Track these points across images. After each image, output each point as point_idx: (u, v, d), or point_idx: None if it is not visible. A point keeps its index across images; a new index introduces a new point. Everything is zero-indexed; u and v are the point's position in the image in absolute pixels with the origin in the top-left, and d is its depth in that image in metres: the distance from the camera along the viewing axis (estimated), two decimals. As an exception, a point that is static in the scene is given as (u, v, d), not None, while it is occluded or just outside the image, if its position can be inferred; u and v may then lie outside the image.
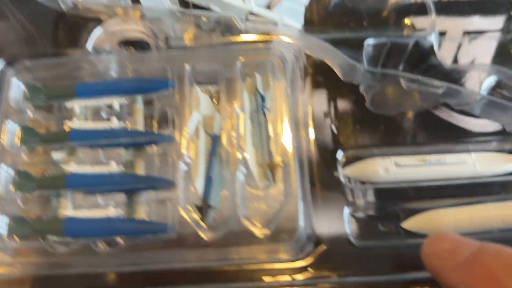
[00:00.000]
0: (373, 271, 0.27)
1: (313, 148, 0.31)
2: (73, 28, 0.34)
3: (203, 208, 0.27)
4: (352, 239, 0.28)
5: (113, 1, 0.33)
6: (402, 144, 0.32)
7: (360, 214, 0.29)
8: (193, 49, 0.32)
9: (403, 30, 0.38)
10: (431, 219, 0.28)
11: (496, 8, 0.38)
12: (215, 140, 0.29)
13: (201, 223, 0.27)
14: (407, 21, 0.38)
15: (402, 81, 0.32)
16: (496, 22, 0.38)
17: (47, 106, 0.31)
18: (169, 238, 0.27)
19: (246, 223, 0.27)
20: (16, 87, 0.31)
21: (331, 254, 0.27)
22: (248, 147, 0.29)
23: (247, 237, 0.27)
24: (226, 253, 0.27)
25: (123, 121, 0.30)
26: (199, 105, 0.30)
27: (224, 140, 0.29)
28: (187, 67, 0.30)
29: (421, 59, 0.36)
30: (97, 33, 0.32)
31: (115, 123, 0.29)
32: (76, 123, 0.30)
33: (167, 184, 0.28)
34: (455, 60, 0.37)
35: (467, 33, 0.38)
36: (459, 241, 0.15)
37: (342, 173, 0.30)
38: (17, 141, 0.30)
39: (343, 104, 0.34)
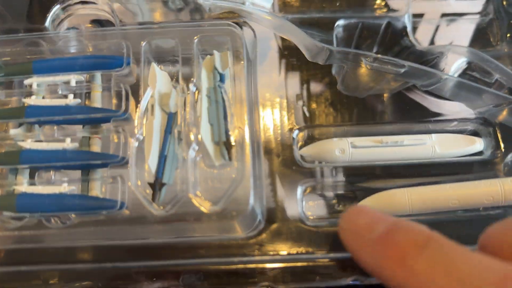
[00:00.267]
0: (323, 249, 0.27)
1: (273, 127, 0.31)
2: (40, 6, 0.34)
3: (155, 186, 0.27)
4: (304, 218, 0.28)
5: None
6: (367, 123, 0.32)
7: (316, 194, 0.29)
8: (154, 25, 0.32)
9: (376, 11, 0.37)
10: (386, 199, 0.28)
11: (475, -9, 0.37)
12: (170, 117, 0.29)
13: (152, 200, 0.27)
14: (381, 1, 0.37)
15: (364, 60, 0.31)
16: (475, 4, 0.38)
17: (7, 83, 0.31)
18: (120, 214, 0.27)
19: (198, 200, 0.27)
20: (-25, 64, 0.31)
21: (282, 232, 0.27)
22: (204, 125, 0.29)
23: (197, 214, 0.27)
24: (177, 230, 0.27)
25: (80, 98, 0.30)
26: (155, 82, 0.29)
27: (180, 117, 0.29)
28: (143, 43, 0.30)
29: (394, 41, 0.36)
30: (56, 10, 0.32)
31: (71, 100, 0.29)
32: (33, 100, 0.30)
33: (120, 161, 0.28)
34: (432, 43, 0.37)
35: (445, 15, 0.37)
36: (375, 217, 0.15)
37: (299, 153, 0.29)
38: (-25, 118, 0.30)
39: (316, 87, 0.34)
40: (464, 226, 0.28)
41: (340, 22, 0.35)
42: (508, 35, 0.35)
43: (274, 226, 0.28)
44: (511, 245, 0.14)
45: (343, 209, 0.29)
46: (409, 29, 0.35)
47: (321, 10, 0.37)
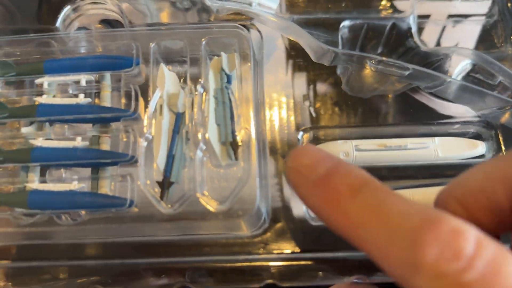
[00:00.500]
0: (327, 248, 0.27)
1: (279, 127, 0.31)
2: (50, 7, 0.35)
3: (163, 184, 0.28)
4: (308, 218, 0.28)
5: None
6: (371, 125, 0.32)
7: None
8: (162, 27, 0.33)
9: (381, 12, 0.38)
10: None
11: (481, -8, 0.38)
12: (178, 117, 0.30)
13: (161, 198, 0.28)
14: (386, 2, 0.37)
15: (368, 63, 0.32)
16: (481, 6, 0.38)
17: (18, 82, 0.32)
18: (129, 212, 0.28)
19: (205, 199, 0.28)
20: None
21: (287, 232, 0.28)
22: (211, 125, 0.29)
23: (204, 213, 0.27)
24: (184, 227, 0.28)
25: (90, 98, 0.30)
26: (164, 83, 0.30)
27: (187, 118, 0.29)
28: (152, 45, 0.31)
29: (399, 42, 0.36)
30: (67, 11, 0.33)
31: (82, 99, 0.30)
32: (44, 99, 0.30)
33: (130, 160, 0.28)
34: (438, 44, 0.37)
35: (451, 16, 0.37)
36: (318, 157, 0.14)
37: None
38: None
39: (321, 87, 0.34)
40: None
41: (346, 23, 0.36)
42: (512, 37, 0.36)
43: (279, 225, 0.28)
44: (455, 200, 0.14)
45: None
46: (414, 30, 0.35)
47: (326, 10, 0.37)
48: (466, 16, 0.37)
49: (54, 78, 0.31)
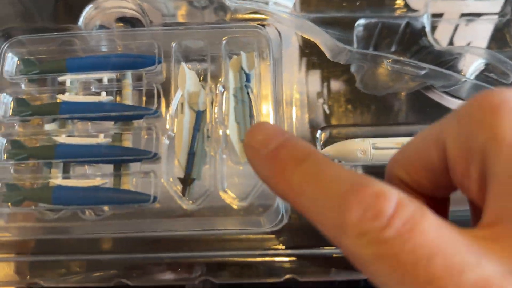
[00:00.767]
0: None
1: (296, 126, 0.32)
2: (68, 5, 0.35)
3: (185, 181, 0.29)
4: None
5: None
6: (385, 124, 0.33)
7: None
8: (182, 27, 0.33)
9: (395, 11, 0.38)
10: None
11: (494, -9, 0.38)
12: (199, 116, 0.30)
13: (182, 194, 0.28)
14: (401, 1, 0.38)
15: (385, 62, 0.32)
16: (494, 5, 0.38)
17: (40, 80, 0.32)
18: (152, 207, 0.28)
19: (225, 195, 0.28)
20: (11, 61, 0.32)
21: (304, 228, 0.28)
22: (231, 123, 0.30)
23: (225, 209, 0.28)
24: (205, 223, 0.28)
25: (112, 96, 0.31)
26: (185, 82, 0.31)
27: (208, 116, 0.30)
28: (174, 44, 0.31)
29: (413, 40, 0.36)
30: (89, 10, 0.33)
31: (104, 97, 0.31)
32: (67, 96, 0.31)
33: (152, 157, 0.29)
34: (451, 43, 0.37)
35: (464, 15, 0.38)
36: (271, 133, 0.15)
37: (321, 152, 0.31)
38: (12, 113, 0.31)
39: (335, 84, 0.35)
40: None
41: (361, 22, 0.36)
42: (524, 36, 0.36)
43: (297, 221, 0.29)
44: (399, 165, 0.16)
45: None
46: (428, 29, 0.36)
47: (341, 9, 0.38)
48: (479, 15, 0.38)
49: (77, 76, 0.31)
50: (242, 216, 0.28)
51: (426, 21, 0.36)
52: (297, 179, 0.14)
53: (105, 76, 0.31)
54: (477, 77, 0.35)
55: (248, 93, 0.31)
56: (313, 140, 0.31)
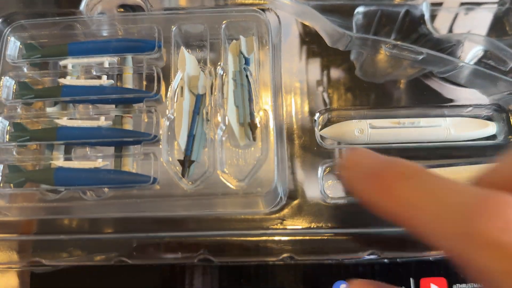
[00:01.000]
0: (342, 224, 0.28)
1: (294, 110, 0.32)
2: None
3: (184, 163, 0.29)
4: (324, 196, 0.29)
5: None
6: (384, 108, 0.33)
7: (335, 173, 0.30)
8: (182, 11, 0.33)
9: (395, -1, 0.38)
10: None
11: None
12: (198, 99, 0.31)
13: (182, 176, 0.29)
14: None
15: (383, 47, 0.33)
16: (494, -7, 0.38)
17: (42, 64, 0.33)
18: (151, 189, 0.29)
19: (225, 176, 0.29)
20: (13, 46, 0.32)
21: (303, 209, 0.29)
22: (230, 107, 0.30)
23: (224, 190, 0.28)
24: (204, 204, 0.29)
25: (112, 79, 0.31)
26: (185, 65, 0.31)
27: (207, 99, 0.30)
28: (174, 28, 0.31)
29: (412, 28, 0.37)
30: (90, -5, 0.34)
31: (105, 81, 0.31)
32: (68, 80, 0.31)
33: (152, 139, 0.29)
34: (450, 31, 0.38)
35: (463, 3, 0.38)
36: (369, 156, 0.16)
37: (319, 133, 0.31)
38: (14, 96, 0.31)
39: (335, 72, 0.35)
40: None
41: (360, 9, 0.36)
42: (524, 24, 0.36)
43: (295, 203, 0.29)
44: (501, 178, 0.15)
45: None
46: (427, 17, 0.36)
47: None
48: (478, 3, 0.38)
49: (78, 60, 0.32)
50: (241, 197, 0.28)
51: (425, 9, 0.36)
52: (406, 193, 0.14)
53: (106, 60, 0.31)
54: (476, 64, 0.35)
55: (247, 76, 0.31)
56: (311, 123, 0.32)
